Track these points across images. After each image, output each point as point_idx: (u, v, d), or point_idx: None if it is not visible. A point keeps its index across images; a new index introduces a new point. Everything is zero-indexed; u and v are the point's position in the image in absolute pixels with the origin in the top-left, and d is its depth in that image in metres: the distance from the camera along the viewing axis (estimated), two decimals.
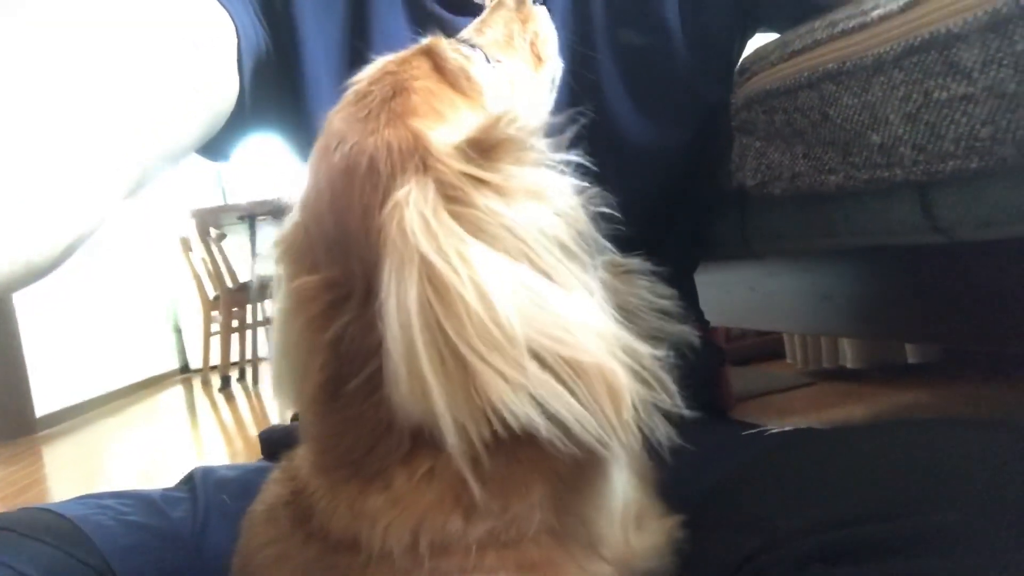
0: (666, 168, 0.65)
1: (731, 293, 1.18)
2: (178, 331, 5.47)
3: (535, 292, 0.32)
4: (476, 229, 0.33)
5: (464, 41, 0.45)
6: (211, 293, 4.15)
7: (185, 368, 5.49)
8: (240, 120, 0.63)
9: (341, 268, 0.38)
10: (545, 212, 0.34)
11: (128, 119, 0.46)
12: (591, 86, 0.62)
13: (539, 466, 0.35)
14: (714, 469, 0.46)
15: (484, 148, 0.35)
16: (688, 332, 0.37)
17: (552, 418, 0.31)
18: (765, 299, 1.16)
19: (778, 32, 0.68)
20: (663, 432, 0.34)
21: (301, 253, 0.41)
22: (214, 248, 3.93)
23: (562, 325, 0.32)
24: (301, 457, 0.43)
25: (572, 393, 0.32)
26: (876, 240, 0.57)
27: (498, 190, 0.34)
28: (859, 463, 0.37)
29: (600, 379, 0.32)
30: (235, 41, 0.60)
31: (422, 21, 0.67)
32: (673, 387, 0.34)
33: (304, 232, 0.41)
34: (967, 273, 0.77)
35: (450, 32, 0.66)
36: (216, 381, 4.08)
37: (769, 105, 0.56)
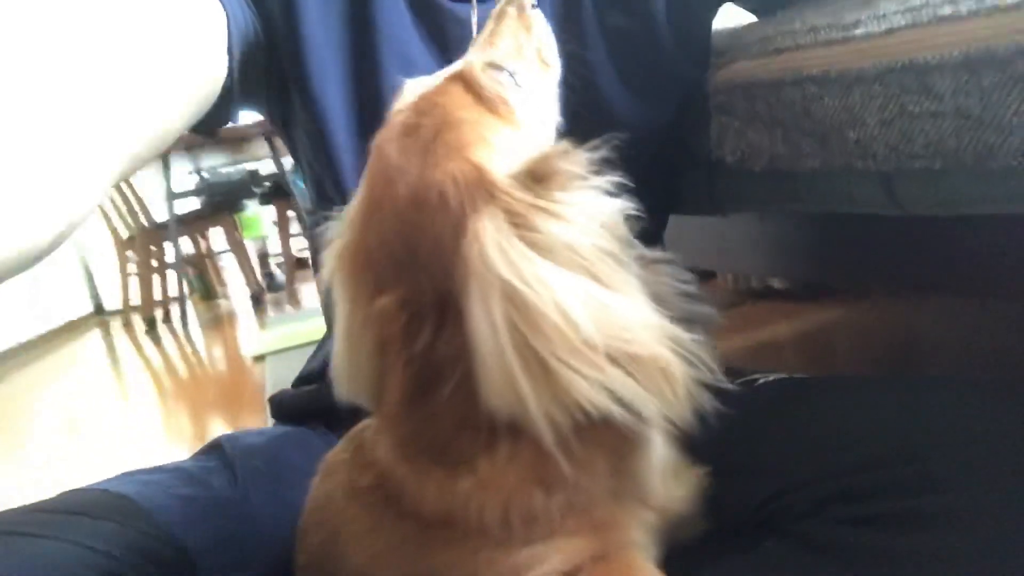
0: (652, 141, 0.72)
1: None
2: (88, 272, 5.24)
3: (599, 301, 0.38)
4: (543, 250, 0.39)
5: (493, 65, 0.48)
6: (124, 233, 3.99)
7: (100, 310, 5.29)
8: (227, 100, 0.65)
9: (407, 287, 0.42)
10: (595, 228, 0.40)
11: (120, 106, 0.48)
12: (585, 77, 0.67)
13: (600, 441, 0.42)
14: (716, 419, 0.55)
15: (539, 178, 0.40)
16: (712, 313, 0.43)
17: (624, 404, 0.38)
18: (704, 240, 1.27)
19: (745, 7, 0.75)
20: (707, 402, 0.40)
21: (359, 270, 0.45)
22: (124, 186, 3.75)
23: (623, 326, 0.38)
24: (379, 446, 0.48)
25: (638, 382, 0.38)
26: (838, 209, 0.65)
27: (555, 214, 0.39)
28: (856, 415, 0.46)
29: (658, 367, 0.38)
30: (225, 25, 0.62)
31: (421, 6, 0.69)
32: (712, 363, 0.40)
33: (361, 251, 0.45)
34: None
35: (447, 19, 0.70)
36: (139, 323, 3.97)
37: (751, 94, 0.63)
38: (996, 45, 0.41)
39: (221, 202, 4.20)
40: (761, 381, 0.61)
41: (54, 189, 0.41)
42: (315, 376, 0.85)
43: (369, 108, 0.70)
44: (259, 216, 4.80)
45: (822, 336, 1.57)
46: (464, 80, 0.46)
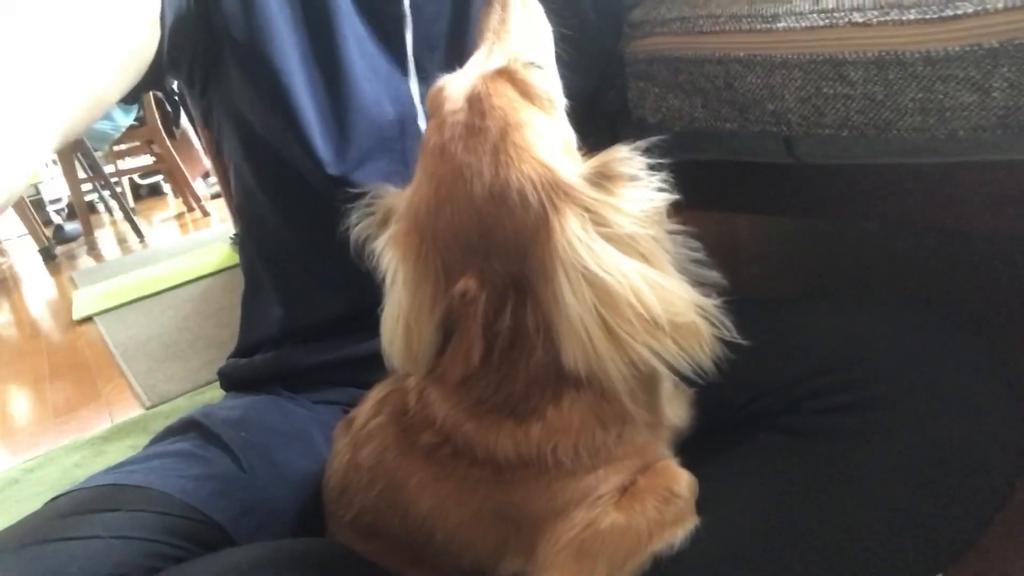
0: (580, 109, 0.80)
1: None
2: None
3: (656, 282, 0.48)
4: (614, 241, 0.47)
5: (533, 64, 0.54)
6: None
7: None
8: (158, 69, 0.66)
9: (479, 270, 0.49)
10: (648, 219, 0.49)
11: (59, 77, 0.50)
12: None
13: (640, 385, 0.53)
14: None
15: (606, 176, 0.48)
16: (717, 276, 0.55)
17: (668, 364, 0.49)
18: None
19: None
20: (721, 352, 0.50)
21: (426, 254, 0.51)
22: None
23: (671, 300, 0.48)
24: (439, 409, 0.54)
25: (680, 346, 0.48)
26: (739, 159, 0.79)
27: (620, 210, 0.48)
28: (812, 329, 0.60)
29: (693, 332, 0.49)
30: (158, 1, 0.63)
31: None
32: (728, 323, 0.50)
33: (427, 238, 0.51)
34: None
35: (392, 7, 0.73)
36: None
37: (675, 67, 0.73)
38: (903, 51, 0.54)
39: None
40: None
41: None
42: (265, 344, 0.87)
43: (325, 65, 0.73)
44: None
45: None
46: (512, 79, 0.52)
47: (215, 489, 0.66)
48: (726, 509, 0.55)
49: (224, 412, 0.78)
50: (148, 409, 1.52)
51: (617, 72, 0.82)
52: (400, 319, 0.53)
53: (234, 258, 2.69)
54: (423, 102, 0.76)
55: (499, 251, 0.49)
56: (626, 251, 0.47)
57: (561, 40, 0.75)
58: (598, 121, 0.91)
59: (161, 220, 4.45)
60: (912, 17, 0.54)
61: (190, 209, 4.15)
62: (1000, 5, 0.49)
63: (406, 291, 0.52)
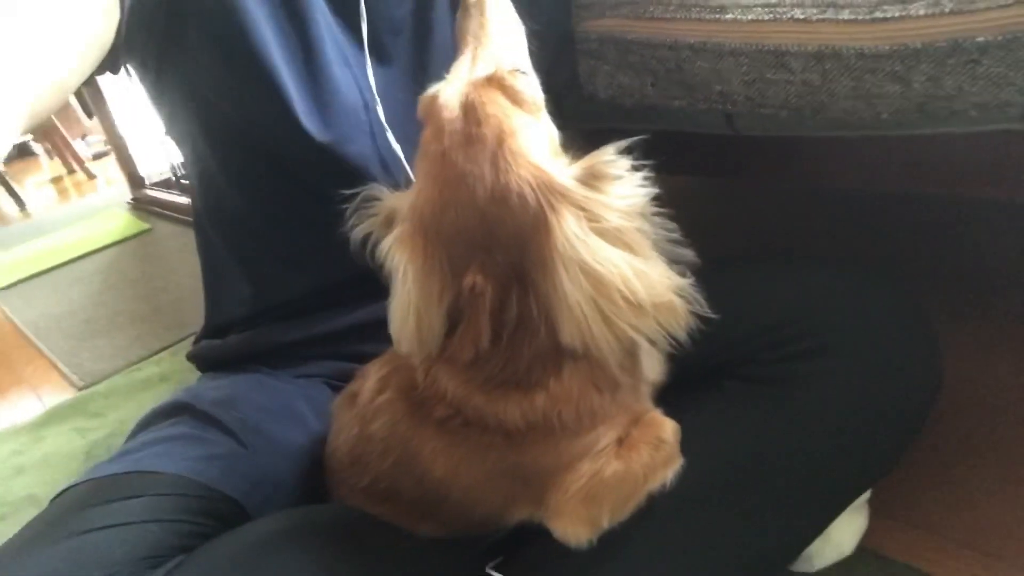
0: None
1: None
2: None
3: (639, 270, 0.53)
4: (603, 234, 0.53)
5: (517, 70, 0.58)
6: None
7: None
8: (115, 53, 0.67)
9: (482, 263, 0.54)
10: (634, 212, 0.56)
11: (22, 63, 0.52)
12: None
13: (625, 353, 0.60)
14: None
15: (594, 176, 0.54)
16: (691, 255, 0.62)
17: (650, 338, 0.56)
18: None
19: None
20: (693, 324, 0.57)
21: (433, 251, 0.56)
22: None
23: (653, 284, 0.54)
24: (449, 384, 0.59)
25: (660, 324, 0.56)
26: (682, 129, 0.87)
27: (607, 205, 0.54)
28: (767, 288, 0.69)
29: (672, 310, 0.56)
30: None
31: None
32: (701, 299, 0.56)
33: (432, 236, 0.55)
34: None
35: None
36: None
37: (626, 48, 0.79)
38: (840, 45, 0.62)
39: None
40: None
41: None
42: (237, 324, 0.89)
43: (301, 49, 0.74)
44: None
45: None
46: (501, 86, 0.56)
47: (224, 467, 0.69)
48: (702, 448, 0.64)
49: (211, 393, 0.80)
50: (82, 390, 1.49)
51: (565, 48, 0.87)
52: (411, 310, 0.58)
53: (137, 225, 2.58)
54: (379, 91, 0.79)
55: (501, 247, 0.54)
56: (614, 243, 0.53)
57: (528, 34, 0.79)
58: (545, 92, 0.96)
59: (36, 184, 4.15)
60: (846, 17, 0.62)
61: (70, 171, 3.89)
62: (922, 12, 0.57)
63: (415, 285, 0.57)
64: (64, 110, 3.59)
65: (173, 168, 2.68)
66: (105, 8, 0.62)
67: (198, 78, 0.76)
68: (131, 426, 0.79)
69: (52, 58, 0.55)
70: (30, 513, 0.68)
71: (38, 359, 1.70)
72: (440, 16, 0.81)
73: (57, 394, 1.51)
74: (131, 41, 0.68)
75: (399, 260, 0.57)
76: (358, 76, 0.78)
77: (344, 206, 0.60)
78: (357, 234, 0.60)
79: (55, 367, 1.63)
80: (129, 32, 0.66)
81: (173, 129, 0.89)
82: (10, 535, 0.61)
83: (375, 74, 0.78)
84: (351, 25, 0.78)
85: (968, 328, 1.03)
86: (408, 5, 0.80)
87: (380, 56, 0.80)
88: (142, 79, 0.83)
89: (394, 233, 0.58)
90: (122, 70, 0.73)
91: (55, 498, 0.68)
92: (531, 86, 0.59)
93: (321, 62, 0.74)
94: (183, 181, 2.59)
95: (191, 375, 0.93)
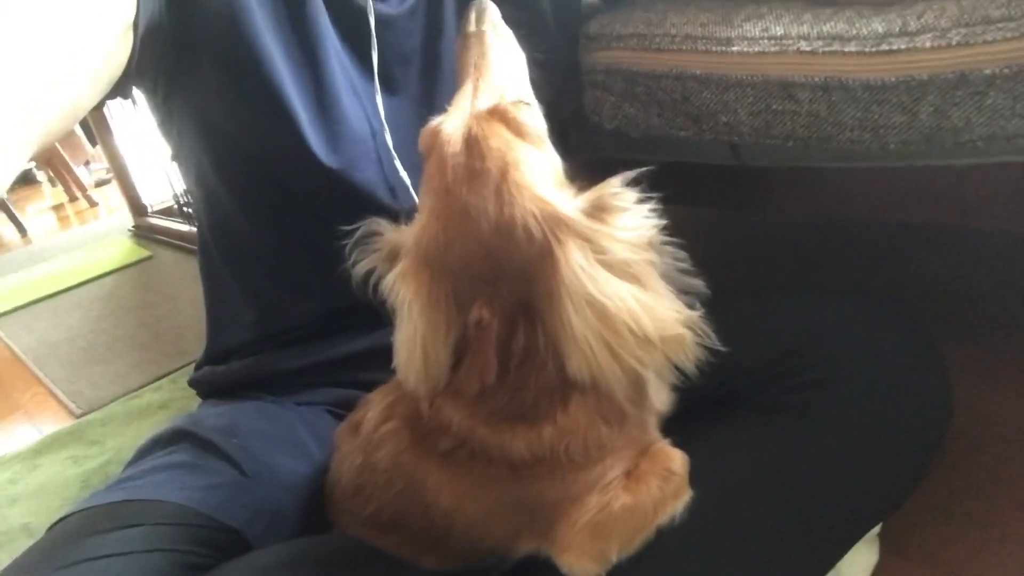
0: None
1: None
2: None
3: (647, 304, 0.53)
4: (611, 267, 0.53)
5: (520, 101, 0.58)
6: None
7: None
8: (127, 77, 0.67)
9: (487, 297, 0.54)
10: (641, 243, 0.55)
11: (38, 87, 0.51)
12: None
13: (633, 386, 0.59)
14: None
15: (600, 208, 0.54)
16: (700, 285, 0.61)
17: (657, 371, 0.55)
18: None
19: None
20: (702, 356, 0.56)
21: (437, 284, 0.55)
22: None
23: (661, 318, 0.54)
24: (454, 417, 0.59)
25: (667, 357, 0.55)
26: (688, 159, 0.87)
27: (614, 238, 0.53)
28: (774, 318, 0.69)
29: (680, 343, 0.55)
30: (134, 7, 0.64)
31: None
32: (710, 331, 0.55)
33: (437, 270, 0.55)
34: None
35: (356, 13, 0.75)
36: None
37: (632, 79, 0.80)
38: (846, 77, 0.63)
39: None
40: None
41: None
42: (240, 350, 0.88)
43: (311, 78, 0.75)
44: None
45: None
46: (504, 119, 0.56)
47: (224, 496, 0.68)
48: (711, 480, 0.63)
49: (212, 420, 0.79)
50: (79, 418, 1.47)
51: (572, 79, 0.88)
52: (417, 344, 0.57)
53: (138, 252, 2.58)
54: (388, 119, 0.79)
55: (507, 280, 0.53)
56: (621, 275, 0.53)
57: (529, 51, 0.80)
58: (549, 123, 0.96)
59: (37, 211, 4.17)
60: (852, 49, 0.62)
61: (72, 199, 3.90)
62: (928, 44, 0.58)
63: (421, 319, 0.56)
64: (68, 137, 3.62)
65: (176, 196, 2.69)
66: (118, 34, 0.62)
67: (207, 102, 0.76)
68: (128, 454, 0.78)
69: (65, 83, 0.54)
70: (25, 543, 0.67)
71: (35, 386, 1.69)
72: (448, 46, 0.81)
73: (54, 422, 1.50)
74: (142, 65, 0.68)
75: (404, 295, 0.57)
76: (366, 105, 0.78)
77: (351, 233, 0.60)
78: (360, 269, 0.60)
79: (52, 394, 1.61)
80: (141, 56, 0.66)
81: (180, 153, 0.89)
82: (4, 565, 0.60)
83: (384, 103, 0.79)
84: (361, 54, 0.78)
85: (974, 356, 1.03)
86: (418, 36, 0.80)
87: (389, 85, 0.80)
88: (150, 102, 0.83)
89: (398, 268, 0.57)
90: (131, 94, 0.73)
91: (51, 527, 0.66)
92: (534, 117, 0.58)
93: (331, 89, 0.74)
94: (185, 209, 2.59)
95: (190, 403, 0.92)
